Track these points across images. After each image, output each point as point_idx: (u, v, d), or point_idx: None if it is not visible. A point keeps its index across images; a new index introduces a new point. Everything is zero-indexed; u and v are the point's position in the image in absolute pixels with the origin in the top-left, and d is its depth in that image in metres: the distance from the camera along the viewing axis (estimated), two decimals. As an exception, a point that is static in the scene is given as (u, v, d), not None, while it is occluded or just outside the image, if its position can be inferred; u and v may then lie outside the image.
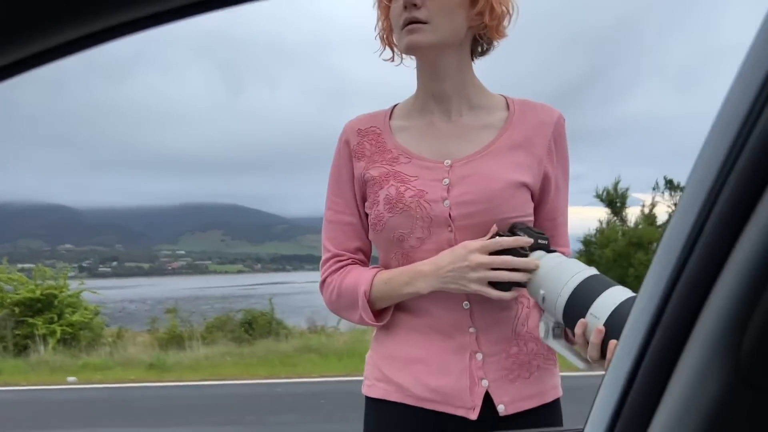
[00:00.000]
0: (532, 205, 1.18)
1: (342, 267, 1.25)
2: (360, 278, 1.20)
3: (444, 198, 1.14)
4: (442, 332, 1.17)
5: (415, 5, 1.10)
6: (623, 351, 0.49)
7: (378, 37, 1.24)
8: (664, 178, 13.98)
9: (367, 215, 1.22)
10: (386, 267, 1.22)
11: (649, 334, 0.46)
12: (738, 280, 0.42)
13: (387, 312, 1.21)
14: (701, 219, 0.43)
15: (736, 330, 0.42)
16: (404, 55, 1.21)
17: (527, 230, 1.12)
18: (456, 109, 1.21)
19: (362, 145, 1.23)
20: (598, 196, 13.64)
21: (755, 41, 0.40)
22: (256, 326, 10.85)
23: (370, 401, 1.24)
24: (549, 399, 1.19)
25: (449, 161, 1.17)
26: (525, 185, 1.15)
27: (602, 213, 13.91)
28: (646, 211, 13.66)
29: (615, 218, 13.62)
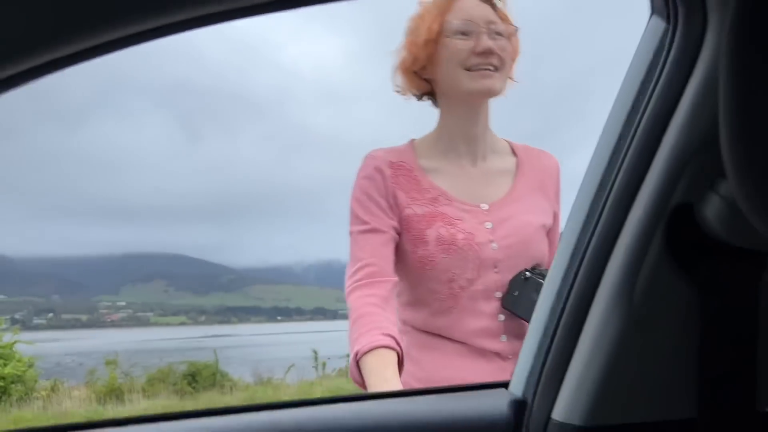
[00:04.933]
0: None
1: (372, 280, 1.19)
2: (370, 329, 1.13)
3: (491, 240, 1.21)
4: (478, 354, 1.22)
5: (492, 52, 1.17)
6: (544, 307, 0.59)
7: (402, 67, 1.27)
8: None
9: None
10: (417, 300, 1.25)
11: (565, 296, 0.56)
12: (627, 250, 0.52)
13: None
14: (599, 206, 0.54)
15: (630, 286, 0.52)
16: (420, 94, 1.29)
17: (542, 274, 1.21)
18: (481, 153, 1.28)
19: (397, 179, 1.24)
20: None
21: (632, 60, 0.52)
22: (199, 378, 10.52)
23: None
24: None
25: (486, 205, 1.25)
26: (545, 227, 1.27)
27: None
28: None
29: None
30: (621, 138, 0.51)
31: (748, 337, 0.51)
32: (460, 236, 1.20)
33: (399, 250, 1.24)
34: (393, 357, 1.09)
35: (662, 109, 0.49)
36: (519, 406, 0.61)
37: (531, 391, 0.60)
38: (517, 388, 0.62)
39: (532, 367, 0.59)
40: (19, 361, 10.75)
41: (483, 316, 1.21)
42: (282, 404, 0.67)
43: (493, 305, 1.21)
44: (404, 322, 1.29)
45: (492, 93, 1.20)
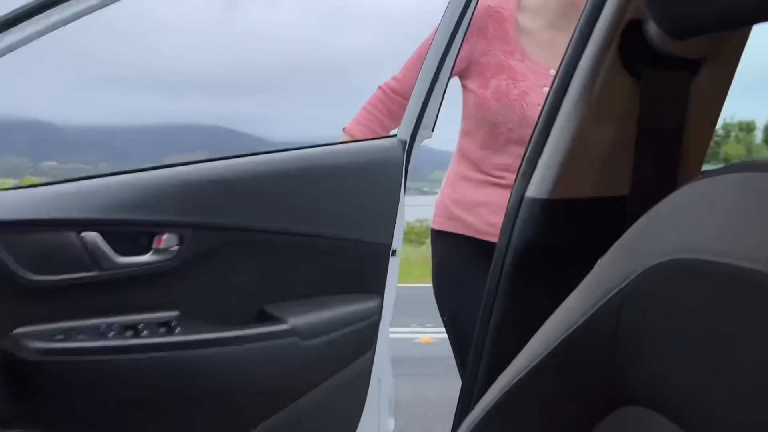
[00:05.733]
0: None
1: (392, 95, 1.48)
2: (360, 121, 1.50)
3: (540, 104, 1.38)
4: (500, 186, 1.43)
5: None
6: None
7: None
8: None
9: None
10: (466, 131, 1.47)
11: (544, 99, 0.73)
12: (589, 60, 0.69)
13: None
14: (579, 25, 0.70)
15: (590, 88, 0.69)
16: None
17: None
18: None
19: (486, 26, 1.40)
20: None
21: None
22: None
23: (438, 234, 1.53)
24: None
25: (553, 71, 1.41)
26: None
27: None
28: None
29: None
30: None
31: (675, 130, 0.67)
32: (514, 92, 1.37)
33: (465, 87, 1.44)
34: None
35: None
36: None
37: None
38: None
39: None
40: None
41: (510, 156, 1.41)
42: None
43: (521, 149, 1.38)
44: (459, 149, 1.51)
45: None
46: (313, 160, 1.22)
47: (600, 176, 0.73)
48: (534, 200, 0.76)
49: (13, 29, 0.97)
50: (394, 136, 1.29)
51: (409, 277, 3.92)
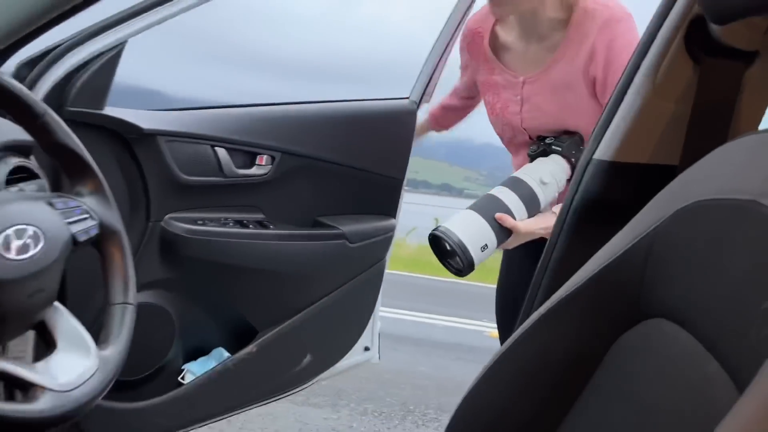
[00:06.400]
0: None
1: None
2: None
3: (518, 113, 1.40)
4: None
5: None
6: None
7: None
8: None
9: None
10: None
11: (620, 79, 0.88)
12: (658, 47, 0.82)
13: None
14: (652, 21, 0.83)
15: (656, 69, 0.82)
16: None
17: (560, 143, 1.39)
18: (548, 26, 1.35)
19: (471, 46, 1.48)
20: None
21: None
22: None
23: None
24: None
25: (522, 77, 1.39)
26: (578, 100, 1.38)
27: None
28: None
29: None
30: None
31: (726, 111, 0.80)
32: (498, 105, 1.44)
33: None
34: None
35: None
36: None
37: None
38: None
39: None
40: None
41: (519, 158, 1.49)
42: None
43: (525, 153, 1.44)
44: None
45: None
46: (355, 111, 1.62)
47: (657, 146, 0.86)
48: (600, 161, 0.90)
49: (149, 12, 1.23)
50: (407, 98, 1.65)
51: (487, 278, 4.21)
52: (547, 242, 0.98)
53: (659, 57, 0.82)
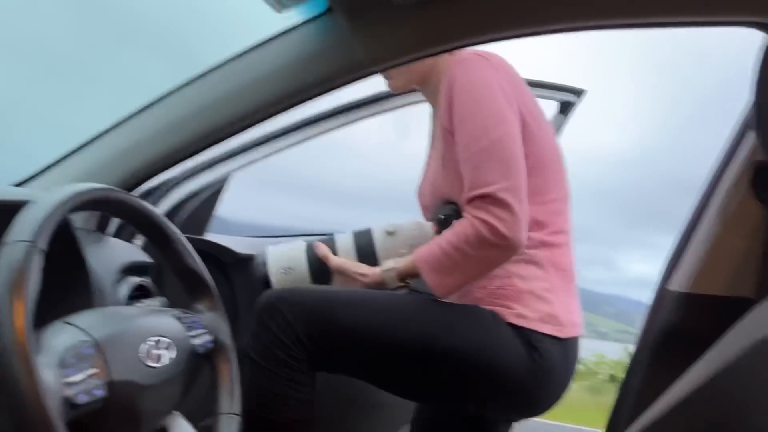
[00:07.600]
0: None
1: None
2: None
3: (422, 191, 1.36)
4: None
5: None
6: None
7: None
8: None
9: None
10: None
11: (692, 212, 0.95)
12: (727, 190, 0.89)
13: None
14: (719, 166, 0.92)
15: (723, 211, 0.89)
16: None
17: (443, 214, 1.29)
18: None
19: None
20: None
21: None
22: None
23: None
24: None
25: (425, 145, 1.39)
26: (446, 164, 1.25)
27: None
28: None
29: None
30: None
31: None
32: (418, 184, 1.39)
33: None
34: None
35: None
36: None
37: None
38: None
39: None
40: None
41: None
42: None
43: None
44: None
45: None
46: None
47: (731, 279, 0.91)
48: (676, 293, 0.95)
49: (251, 149, 1.36)
50: None
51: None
52: (627, 371, 1.01)
53: (727, 197, 0.89)
